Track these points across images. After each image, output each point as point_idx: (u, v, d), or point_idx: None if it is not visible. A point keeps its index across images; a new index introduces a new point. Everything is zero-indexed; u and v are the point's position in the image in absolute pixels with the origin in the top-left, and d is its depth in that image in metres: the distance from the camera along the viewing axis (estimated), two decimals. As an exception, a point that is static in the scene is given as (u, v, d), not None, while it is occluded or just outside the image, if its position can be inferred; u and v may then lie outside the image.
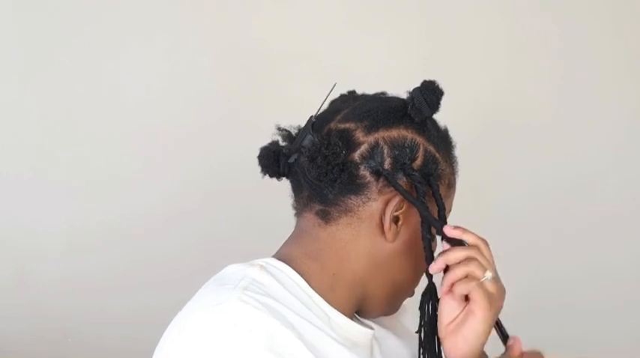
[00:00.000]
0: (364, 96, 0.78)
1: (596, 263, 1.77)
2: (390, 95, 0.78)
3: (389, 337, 0.81)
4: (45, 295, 1.78)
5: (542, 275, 1.70)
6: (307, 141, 0.72)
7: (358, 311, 0.77)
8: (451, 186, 0.76)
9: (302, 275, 0.71)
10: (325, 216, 0.73)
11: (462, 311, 0.69)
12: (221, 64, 1.71)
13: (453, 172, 0.77)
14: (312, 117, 0.73)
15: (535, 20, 1.73)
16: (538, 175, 1.76)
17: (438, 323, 0.71)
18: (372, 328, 0.76)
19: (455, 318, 0.69)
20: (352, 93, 0.80)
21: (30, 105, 1.72)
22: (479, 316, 0.67)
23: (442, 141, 0.75)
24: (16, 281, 1.78)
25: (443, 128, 0.77)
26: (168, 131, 1.71)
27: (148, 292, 1.70)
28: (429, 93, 0.72)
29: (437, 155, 0.73)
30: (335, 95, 0.79)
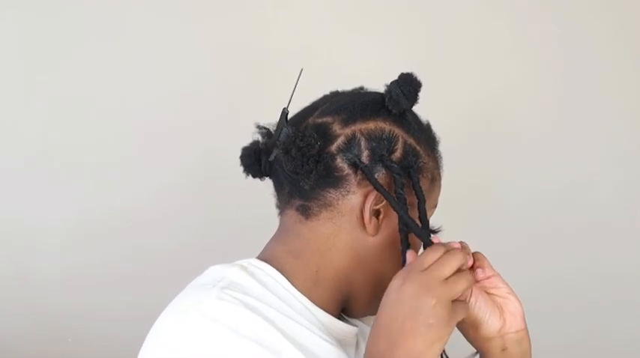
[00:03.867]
0: (342, 93, 0.78)
1: (596, 263, 1.77)
2: (369, 90, 0.78)
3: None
4: (44, 293, 1.78)
5: (542, 275, 1.70)
6: (283, 134, 0.71)
7: (344, 310, 0.76)
8: (435, 180, 0.75)
9: (284, 274, 0.71)
10: (306, 212, 0.72)
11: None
12: (221, 62, 1.71)
13: (436, 167, 0.76)
14: (284, 109, 0.73)
15: (535, 20, 1.72)
16: (538, 175, 1.76)
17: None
18: (356, 325, 0.76)
19: None
20: (334, 92, 0.80)
21: (28, 99, 1.72)
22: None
23: (424, 134, 0.75)
24: (14, 279, 1.78)
25: (425, 122, 0.77)
26: (168, 128, 1.71)
27: (150, 289, 1.69)
28: (407, 85, 0.72)
29: (417, 148, 0.73)
30: (321, 91, 0.79)
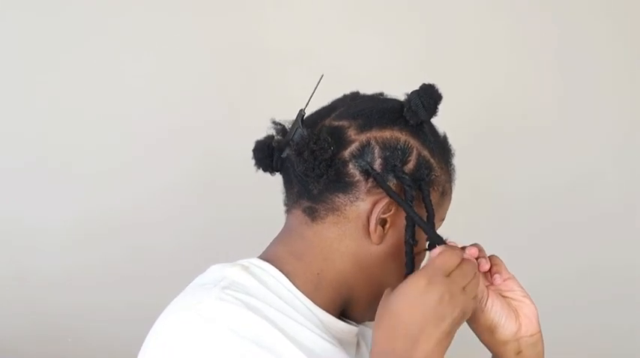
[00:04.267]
0: (362, 96, 0.77)
1: (597, 262, 1.77)
2: (390, 96, 0.78)
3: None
4: (44, 293, 1.78)
5: (542, 274, 1.69)
6: (297, 135, 0.71)
7: (343, 313, 0.76)
8: (445, 194, 0.75)
9: (286, 275, 0.70)
10: (312, 214, 0.72)
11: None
12: (221, 62, 1.71)
13: (449, 180, 0.75)
14: (301, 110, 0.73)
15: (535, 20, 1.72)
16: (538, 175, 1.76)
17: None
18: (356, 325, 0.76)
19: None
20: (355, 93, 0.79)
21: (28, 100, 1.72)
22: None
23: (439, 147, 0.74)
24: (14, 279, 1.78)
25: (442, 134, 0.76)
26: (167, 128, 1.71)
27: (150, 289, 1.69)
28: (427, 97, 0.71)
29: (431, 160, 0.72)
30: (333, 93, 0.79)
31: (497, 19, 1.74)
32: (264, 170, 0.77)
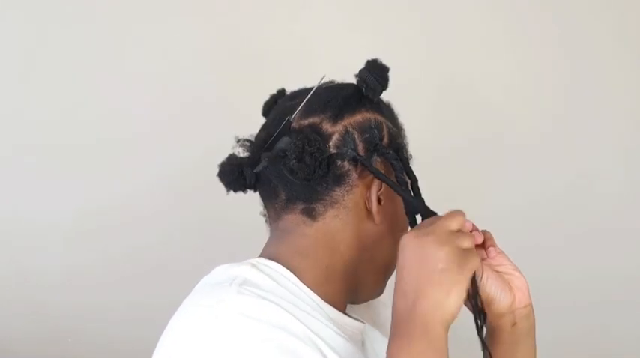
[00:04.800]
0: (307, 90, 0.77)
1: (597, 263, 1.77)
2: (338, 82, 0.78)
3: (374, 331, 0.81)
4: (44, 293, 1.78)
5: (543, 275, 1.69)
6: (283, 143, 0.71)
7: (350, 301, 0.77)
8: (410, 156, 0.78)
9: (293, 272, 0.70)
10: (311, 213, 0.72)
11: None
12: (222, 62, 1.71)
13: (405, 139, 0.78)
14: (288, 118, 0.73)
15: (535, 20, 1.72)
16: (538, 175, 1.76)
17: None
18: (362, 322, 0.76)
19: None
20: (294, 92, 0.79)
21: (27, 96, 1.72)
22: None
23: (392, 113, 0.78)
24: (14, 279, 1.78)
25: (386, 101, 0.78)
26: (168, 128, 1.71)
27: (150, 289, 1.69)
28: (379, 72, 0.73)
29: (395, 128, 0.75)
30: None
31: (497, 19, 1.74)
32: (236, 190, 0.77)
